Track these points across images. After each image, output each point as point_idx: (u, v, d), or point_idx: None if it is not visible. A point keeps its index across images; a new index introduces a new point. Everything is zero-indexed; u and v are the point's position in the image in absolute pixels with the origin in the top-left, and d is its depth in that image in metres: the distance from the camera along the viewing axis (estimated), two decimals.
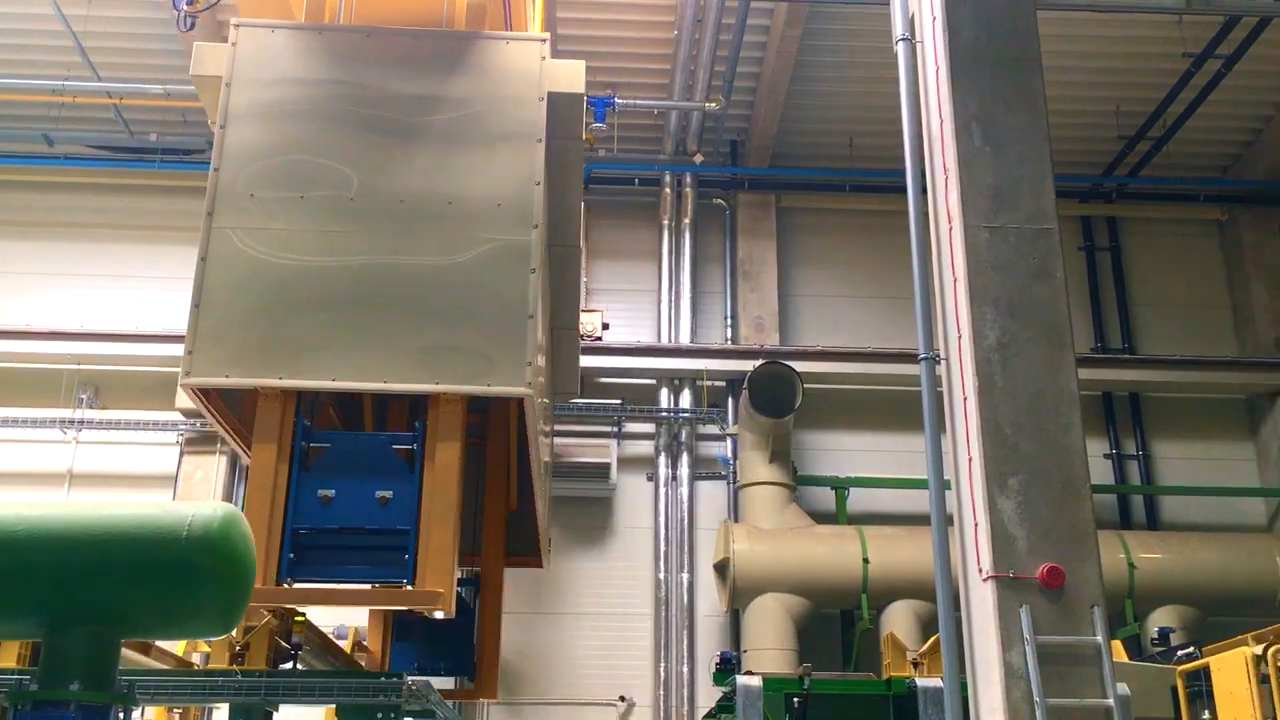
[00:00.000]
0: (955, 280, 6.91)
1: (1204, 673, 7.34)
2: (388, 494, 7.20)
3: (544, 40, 7.97)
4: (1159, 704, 7.88)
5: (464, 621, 9.05)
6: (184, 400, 12.93)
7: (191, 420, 12.99)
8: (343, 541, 7.12)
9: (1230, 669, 6.94)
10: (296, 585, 6.97)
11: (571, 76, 7.90)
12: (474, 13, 8.28)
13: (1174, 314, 14.39)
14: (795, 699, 7.30)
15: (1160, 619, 11.34)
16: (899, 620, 11.94)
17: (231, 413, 8.03)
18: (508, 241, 7.45)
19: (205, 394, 7.32)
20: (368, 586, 7.08)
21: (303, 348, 7.18)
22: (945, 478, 6.85)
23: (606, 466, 12.91)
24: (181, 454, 13.17)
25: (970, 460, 6.54)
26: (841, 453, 13.62)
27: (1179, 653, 7.93)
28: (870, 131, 13.90)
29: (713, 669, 9.88)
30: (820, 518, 12.96)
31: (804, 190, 14.69)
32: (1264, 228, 14.33)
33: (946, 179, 7.09)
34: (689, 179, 14.45)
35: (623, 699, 12.58)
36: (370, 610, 9.99)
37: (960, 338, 6.80)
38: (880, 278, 14.25)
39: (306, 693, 6.86)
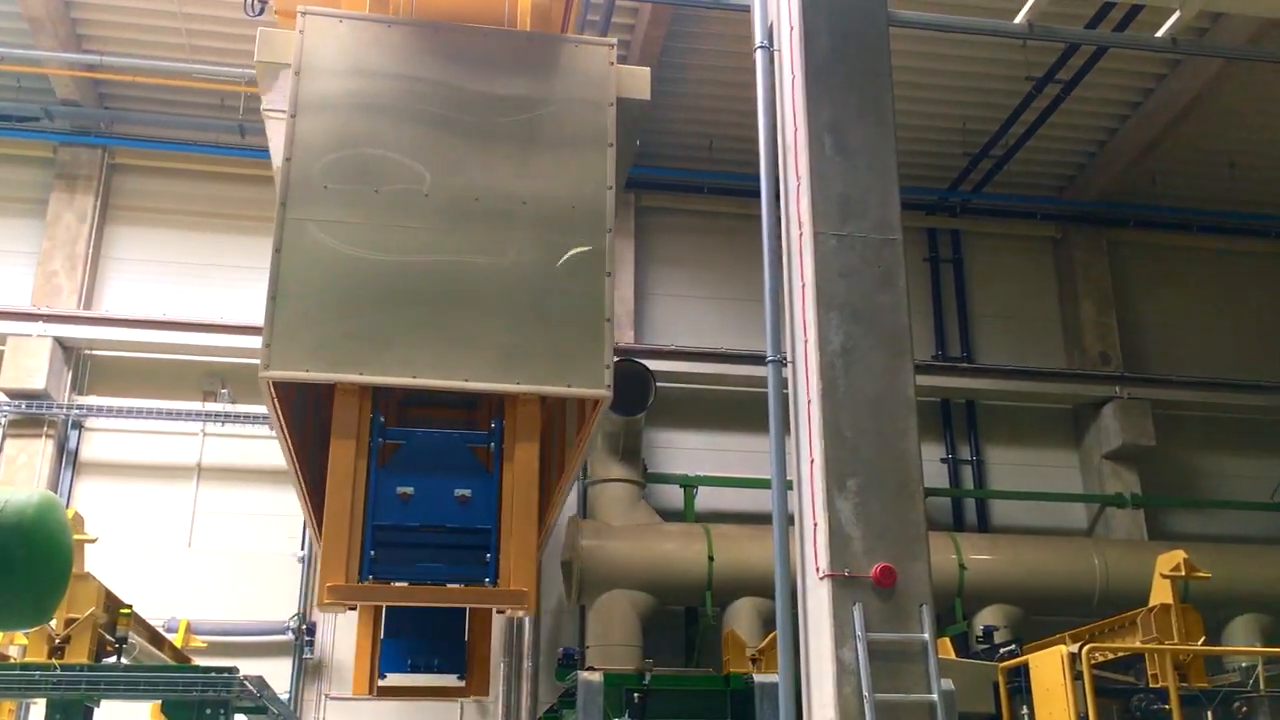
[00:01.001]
0: (804, 286, 7.07)
1: (1024, 670, 7.68)
2: (467, 492, 7.24)
3: (613, 45, 8.01)
4: (981, 699, 8.21)
5: (456, 619, 8.85)
6: (6, 378, 12.32)
7: (16, 402, 12.36)
8: (423, 540, 7.13)
9: (1047, 666, 7.29)
10: (378, 583, 6.98)
11: (639, 83, 7.92)
12: (539, 13, 8.31)
13: (1010, 326, 15.03)
14: (635, 694, 7.36)
15: (987, 617, 11.82)
16: (742, 617, 12.15)
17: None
18: (586, 243, 7.47)
19: (276, 387, 7.05)
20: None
21: (382, 344, 7.12)
22: (788, 478, 7.01)
23: None
24: (4, 436, 12.51)
25: (812, 462, 6.70)
26: (691, 451, 13.79)
27: (1001, 650, 8.29)
28: (730, 135, 14.11)
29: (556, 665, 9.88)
30: (669, 515, 13.10)
31: (664, 190, 14.81)
32: (1094, 247, 15.09)
33: (799, 186, 7.25)
34: None
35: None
36: (361, 607, 9.67)
37: (806, 342, 6.96)
38: (735, 280, 14.47)
39: (130, 688, 6.61)
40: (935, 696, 6.08)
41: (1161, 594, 8.81)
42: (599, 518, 12.64)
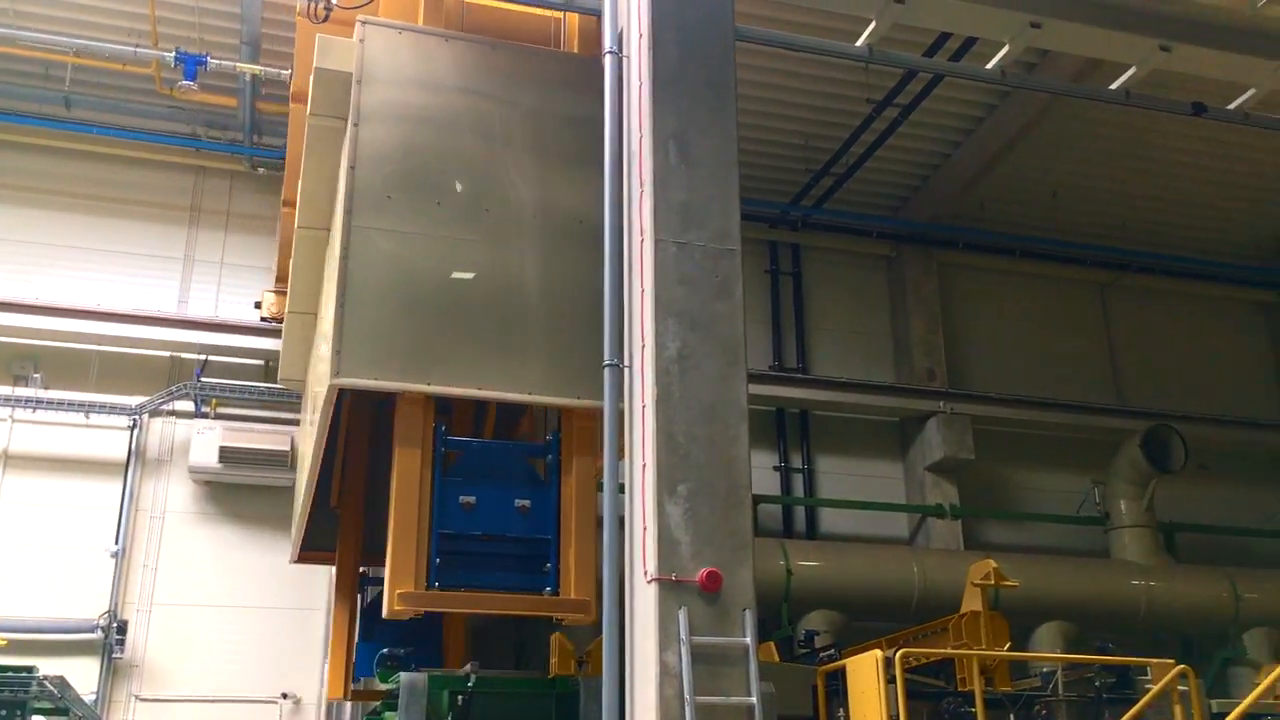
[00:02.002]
0: (643, 292, 7.12)
1: (841, 673, 7.90)
2: (527, 503, 7.47)
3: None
4: (801, 702, 8.42)
5: (432, 617, 8.78)
6: None
7: None
8: (485, 548, 7.36)
9: (863, 670, 7.52)
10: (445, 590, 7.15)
11: None
12: (585, 36, 8.67)
13: (844, 339, 15.47)
14: (459, 696, 7.28)
15: (812, 622, 12.13)
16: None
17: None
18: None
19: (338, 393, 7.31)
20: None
21: (446, 354, 7.33)
22: (621, 482, 7.04)
23: (285, 455, 12.43)
24: None
25: (644, 467, 6.75)
26: None
27: (821, 654, 8.50)
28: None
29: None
30: None
31: None
32: (925, 266, 15.68)
33: (642, 193, 7.29)
34: None
35: (285, 696, 12.14)
36: (338, 605, 9.98)
37: (644, 348, 7.01)
38: None
39: None
40: (754, 699, 6.19)
41: (972, 601, 9.20)
42: None
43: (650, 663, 6.29)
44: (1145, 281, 16.54)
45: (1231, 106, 9.39)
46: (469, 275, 7.55)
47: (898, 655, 7.29)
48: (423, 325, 7.37)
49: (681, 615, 6.32)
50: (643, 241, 7.19)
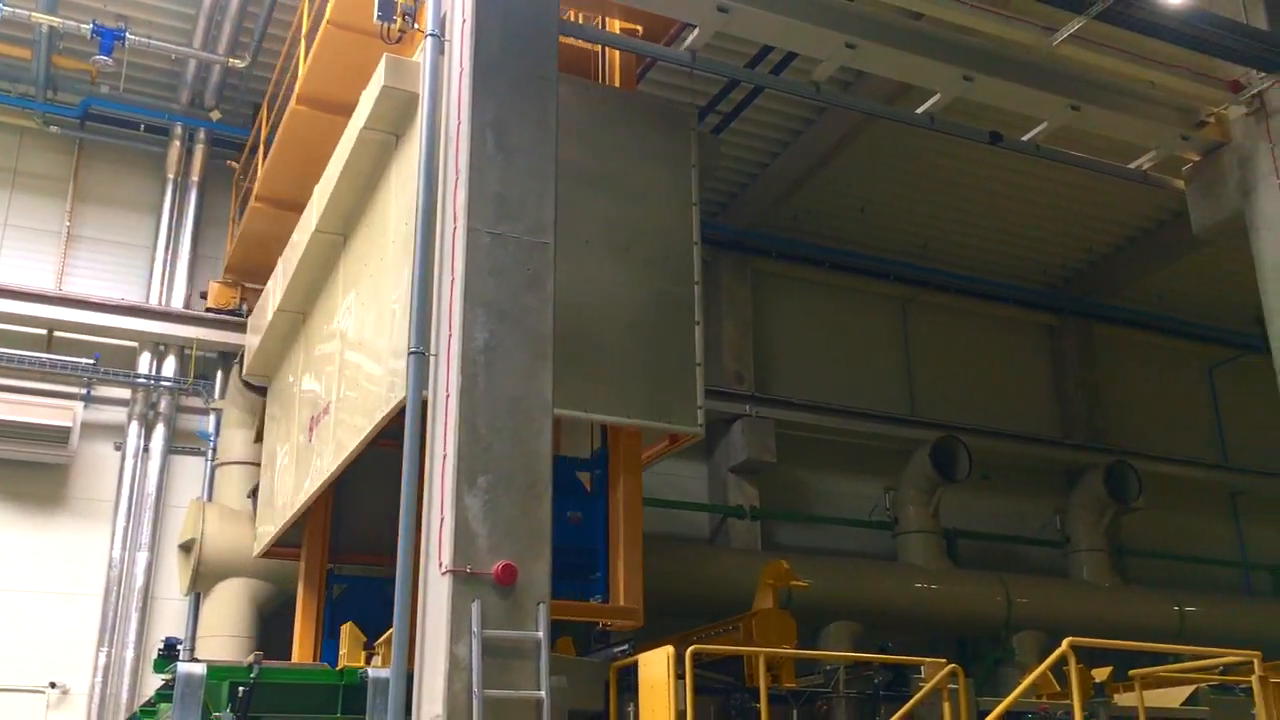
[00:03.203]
0: (453, 280, 7.03)
1: (634, 668, 7.98)
2: (578, 514, 7.87)
3: (695, 110, 9.20)
4: (593, 697, 8.46)
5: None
6: None
7: None
8: None
9: (654, 665, 7.61)
10: None
11: (711, 148, 9.23)
12: (626, 70, 9.23)
13: None
14: (240, 688, 7.02)
15: None
16: None
17: None
18: (676, 293, 8.36)
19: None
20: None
21: None
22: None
23: (66, 430, 11.72)
24: None
25: (445, 457, 6.67)
26: None
27: (615, 650, 8.57)
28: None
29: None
30: None
31: None
32: (740, 273, 16.01)
33: (457, 180, 7.21)
34: (202, 135, 13.59)
35: (53, 685, 11.46)
36: (303, 597, 10.47)
37: (451, 337, 6.93)
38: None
39: None
40: (543, 693, 6.20)
41: (764, 600, 9.44)
42: (225, 501, 12.01)
43: (440, 655, 6.23)
44: (942, 299, 17.34)
45: (1025, 138, 9.94)
46: (562, 298, 7.52)
47: (688, 651, 7.41)
48: None
49: (475, 607, 6.28)
50: (455, 230, 7.11)
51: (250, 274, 12.82)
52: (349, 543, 10.89)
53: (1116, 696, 9.65)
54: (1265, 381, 9.22)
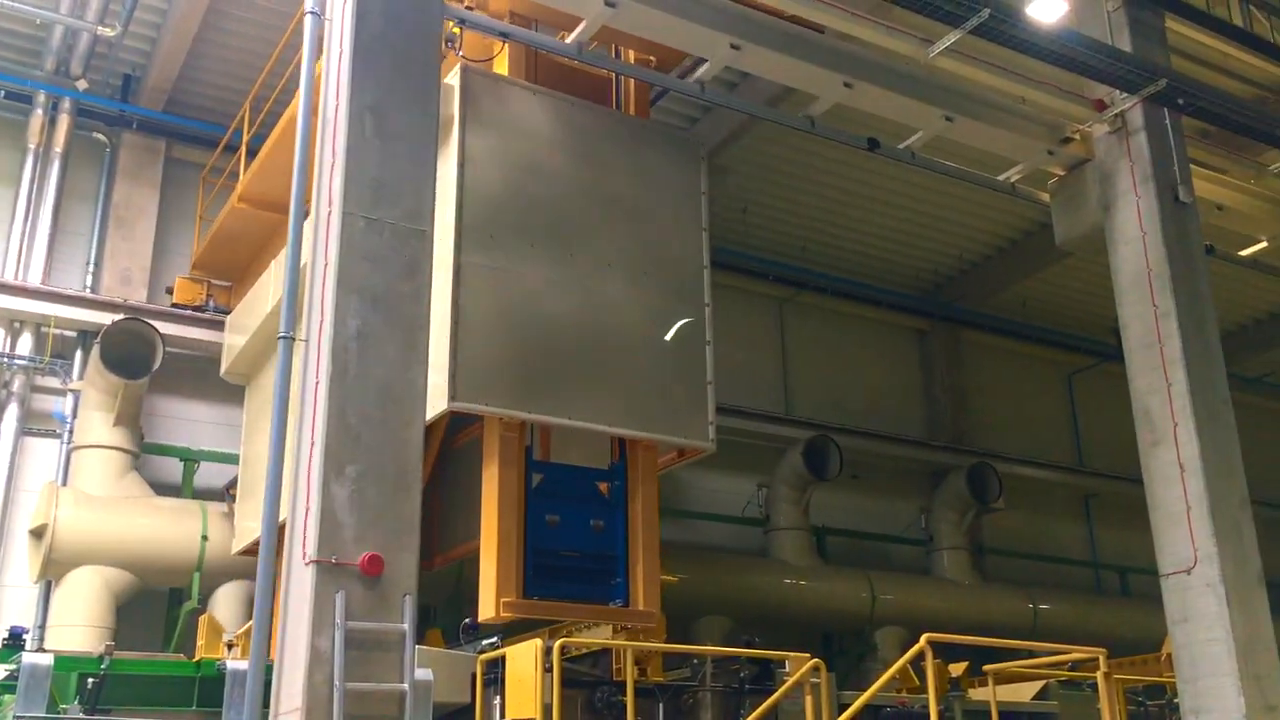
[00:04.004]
0: (326, 265, 6.89)
1: (501, 661, 7.95)
2: (601, 522, 8.25)
3: (702, 144, 9.69)
4: (459, 690, 8.40)
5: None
6: None
7: None
8: (565, 563, 8.12)
9: (522, 659, 7.60)
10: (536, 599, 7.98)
11: (718, 177, 9.76)
12: (640, 98, 9.69)
13: None
14: (89, 679, 6.77)
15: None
16: (231, 601, 11.64)
17: None
18: (689, 315, 8.83)
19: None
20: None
21: (541, 385, 8.03)
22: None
23: None
24: None
25: (312, 445, 6.53)
26: (197, 424, 13.00)
27: (484, 643, 8.52)
28: (279, 100, 13.49)
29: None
30: (165, 490, 12.27)
31: (199, 145, 13.89)
32: None
33: (333, 163, 7.06)
34: (68, 105, 13.05)
35: None
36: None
37: (322, 322, 6.78)
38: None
39: None
40: (406, 686, 6.12)
41: None
42: (81, 486, 11.56)
43: (301, 647, 6.09)
44: (819, 301, 17.65)
45: (902, 146, 10.18)
46: (575, 317, 8.37)
47: (556, 645, 7.41)
48: (520, 357, 8.04)
49: (339, 598, 6.16)
50: (330, 214, 6.96)
51: (219, 272, 12.93)
52: None
53: (971, 691, 9.98)
54: (1120, 390, 9.61)
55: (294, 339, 6.86)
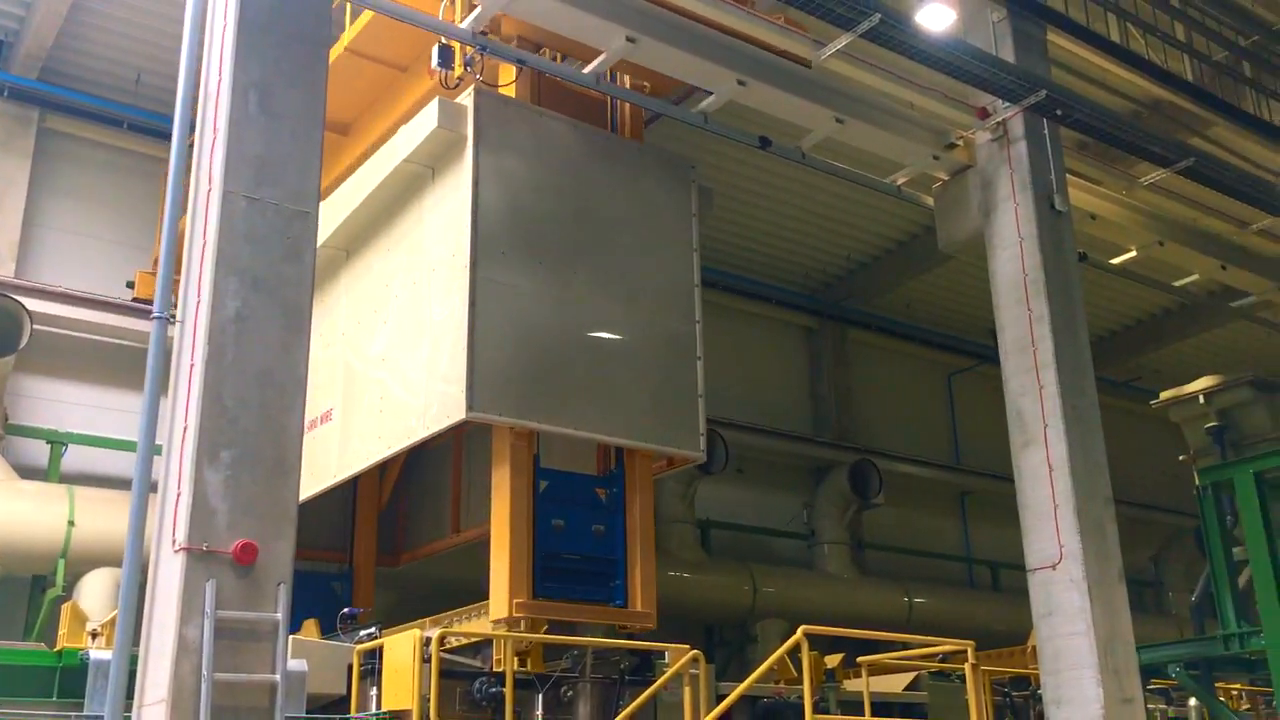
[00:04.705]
0: (205, 244, 6.70)
1: (379, 652, 7.85)
2: (601, 527, 8.71)
3: (693, 166, 10.14)
4: (336, 680, 8.27)
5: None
6: None
7: None
8: (571, 565, 8.54)
9: (400, 649, 7.51)
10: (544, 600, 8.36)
11: (706, 199, 10.22)
12: (635, 121, 10.14)
13: None
14: None
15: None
16: (97, 589, 11.24)
17: None
18: (682, 331, 9.41)
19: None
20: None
21: (552, 397, 8.43)
22: (159, 443, 6.58)
23: None
24: None
25: (185, 429, 6.35)
26: (65, 405, 12.56)
27: (361, 633, 8.41)
28: (160, 73, 13.09)
29: None
30: (30, 473, 11.81)
31: (77, 116, 13.42)
32: None
33: (215, 140, 6.86)
34: None
35: None
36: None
37: (199, 303, 6.59)
38: (146, 226, 13.42)
39: None
40: (278, 677, 5.99)
41: None
42: None
43: (169, 636, 5.92)
44: (710, 296, 17.57)
45: (793, 146, 10.31)
46: (578, 331, 8.77)
47: (435, 636, 7.34)
48: (529, 369, 8.38)
49: (209, 587, 6.00)
50: (210, 191, 6.77)
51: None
52: (299, 537, 11.24)
53: (846, 682, 10.18)
54: (996, 391, 9.89)
55: (170, 319, 6.65)
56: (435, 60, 8.77)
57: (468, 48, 8.79)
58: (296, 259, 6.87)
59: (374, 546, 11.42)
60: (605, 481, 8.92)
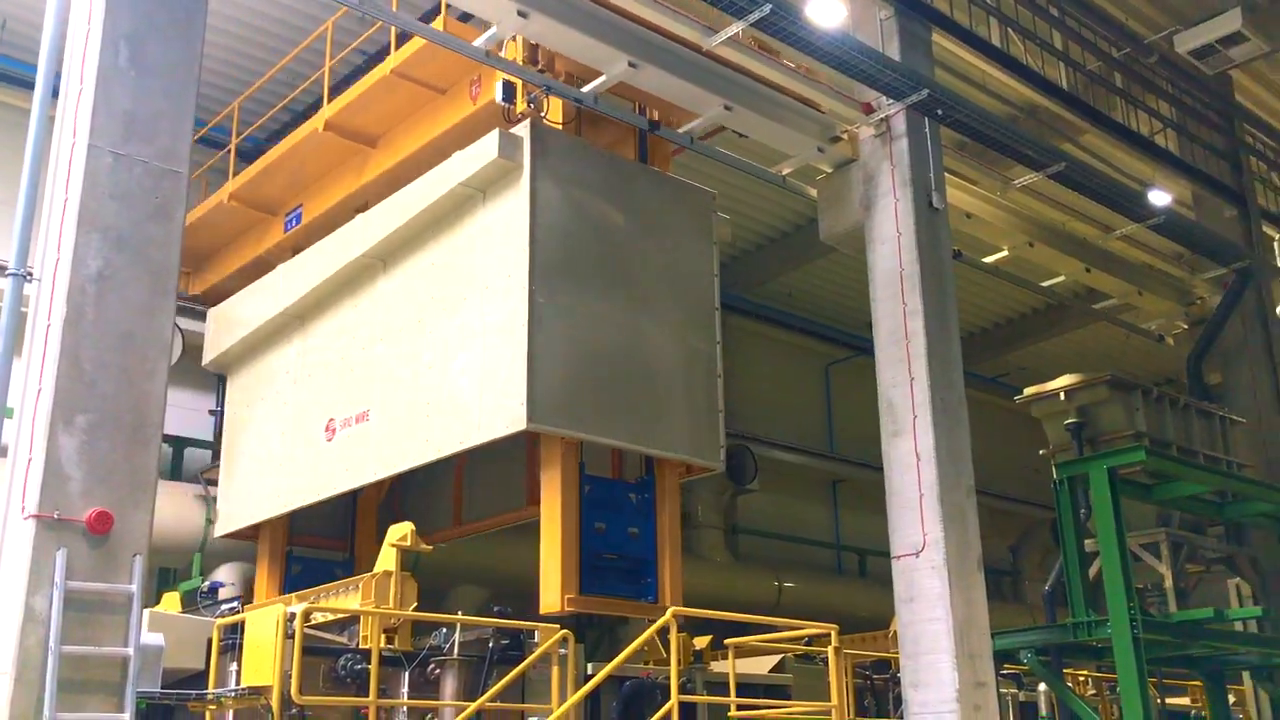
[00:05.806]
0: (66, 200, 6.43)
1: (241, 626, 7.67)
2: (636, 529, 9.55)
3: (714, 196, 10.94)
4: (194, 655, 8.07)
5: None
6: None
7: None
8: (611, 564, 9.33)
9: (262, 624, 7.35)
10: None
11: (722, 230, 10.93)
12: (662, 155, 10.82)
13: None
14: None
15: (222, 574, 11.67)
16: None
17: None
18: (704, 350, 10.16)
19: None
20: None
21: (598, 410, 9.19)
22: (10, 406, 6.31)
23: None
24: None
25: (39, 391, 6.10)
26: None
27: (223, 607, 8.21)
28: (27, 20, 12.50)
29: None
30: None
31: (23, 87, 12.78)
32: None
33: (80, 92, 6.59)
34: None
35: None
36: (265, 575, 11.73)
37: (58, 261, 6.34)
38: (7, 178, 12.79)
39: None
40: (130, 650, 5.81)
41: (386, 561, 9.32)
42: None
43: (15, 607, 5.72)
44: None
45: (683, 130, 10.35)
46: (617, 349, 9.51)
47: (300, 611, 7.20)
48: (577, 383, 9.09)
49: (60, 556, 5.80)
50: (74, 145, 6.51)
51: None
52: (304, 526, 12.15)
53: (713, 664, 10.31)
54: (870, 382, 10.08)
55: (26, 276, 6.36)
56: (499, 96, 9.59)
57: (538, 89, 9.55)
58: (165, 218, 6.66)
59: (375, 536, 11.51)
60: (638, 488, 9.77)
